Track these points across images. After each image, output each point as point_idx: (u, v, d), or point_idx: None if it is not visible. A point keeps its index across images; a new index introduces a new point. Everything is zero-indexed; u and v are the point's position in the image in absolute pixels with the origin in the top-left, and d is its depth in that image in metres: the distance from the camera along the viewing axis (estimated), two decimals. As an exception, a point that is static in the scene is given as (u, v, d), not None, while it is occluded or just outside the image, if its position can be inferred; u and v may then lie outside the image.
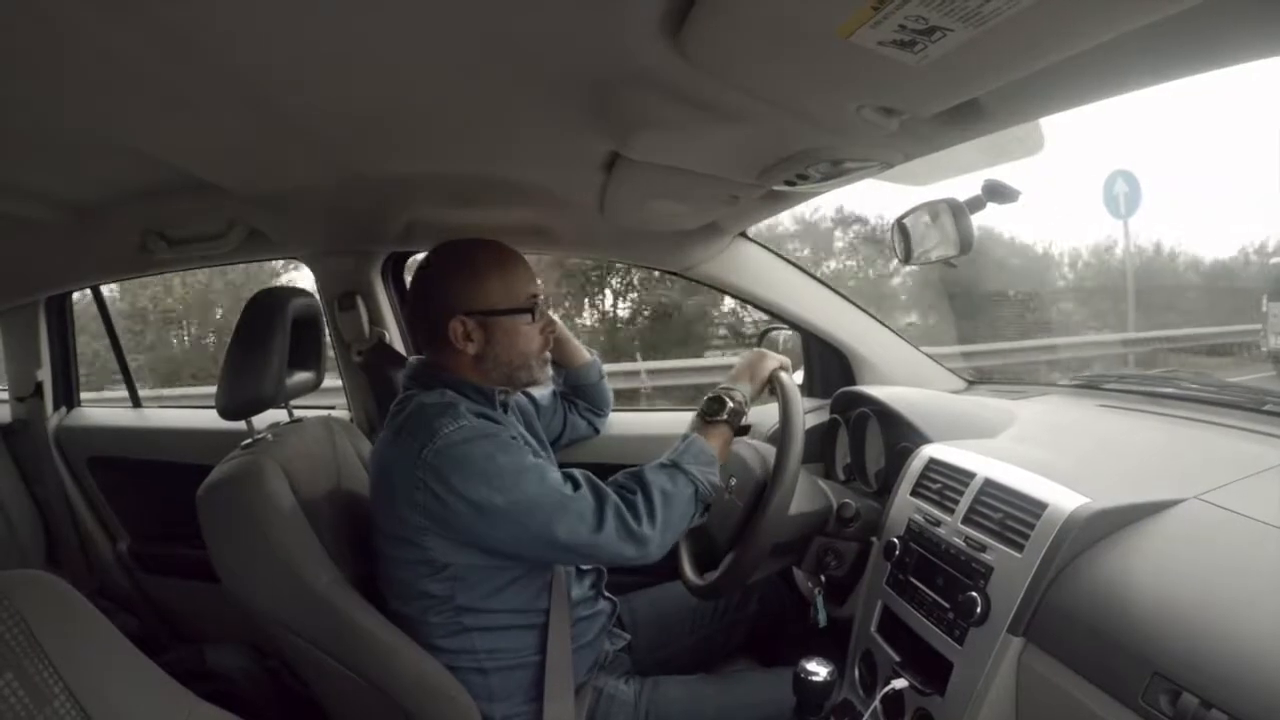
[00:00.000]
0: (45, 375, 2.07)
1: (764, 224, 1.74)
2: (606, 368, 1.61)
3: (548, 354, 1.26)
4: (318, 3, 0.68)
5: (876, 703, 1.04)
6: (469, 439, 1.07)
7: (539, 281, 1.26)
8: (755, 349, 1.40)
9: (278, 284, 2.27)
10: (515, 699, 1.16)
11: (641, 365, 6.15)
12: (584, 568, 1.31)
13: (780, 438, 1.19)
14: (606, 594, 1.35)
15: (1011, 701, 0.92)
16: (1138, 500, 0.94)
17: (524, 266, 1.24)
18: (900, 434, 1.39)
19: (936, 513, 1.14)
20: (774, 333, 1.80)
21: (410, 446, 1.08)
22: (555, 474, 1.11)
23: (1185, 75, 0.73)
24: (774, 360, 1.33)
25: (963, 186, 1.39)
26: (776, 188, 1.22)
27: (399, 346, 1.82)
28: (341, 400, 1.96)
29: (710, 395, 1.24)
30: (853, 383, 1.76)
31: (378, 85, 0.90)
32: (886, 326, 1.84)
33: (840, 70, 0.71)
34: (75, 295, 2.18)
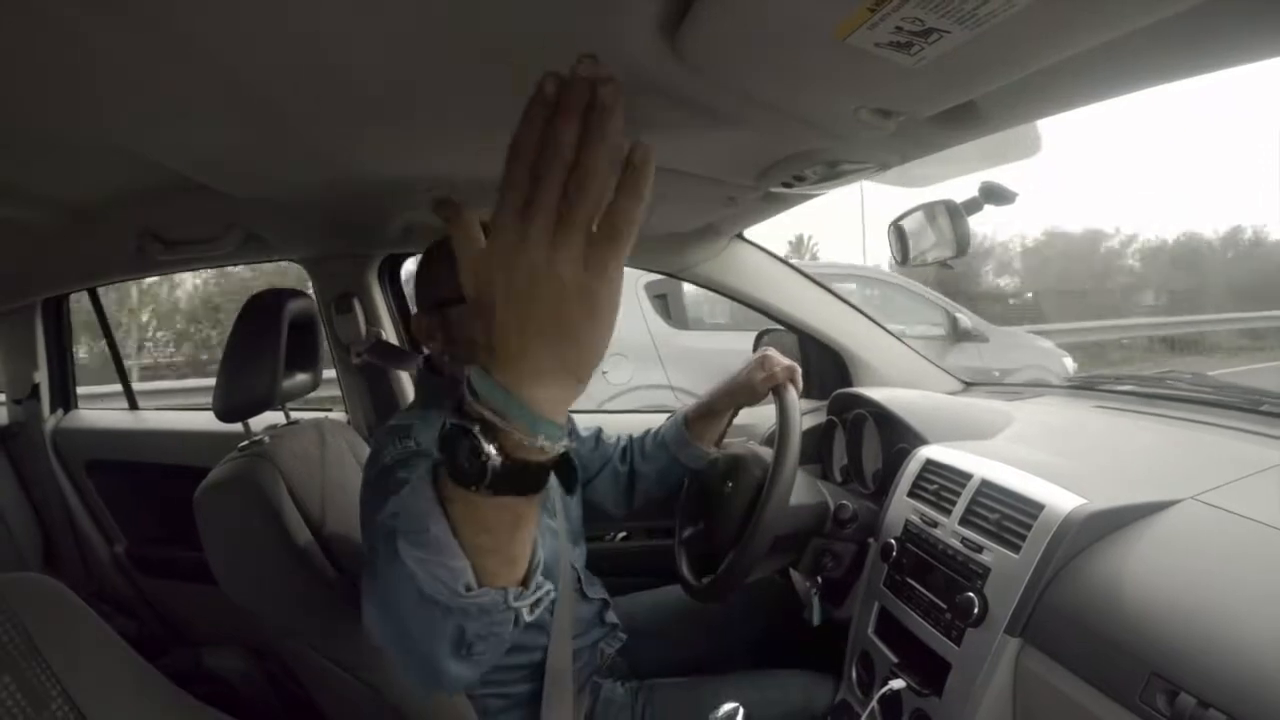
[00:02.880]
0: (42, 377, 2.07)
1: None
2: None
3: None
4: (315, 5, 0.67)
5: (874, 703, 1.04)
6: (387, 467, 0.95)
7: None
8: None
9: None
10: (515, 706, 1.15)
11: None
12: (590, 595, 1.28)
13: (778, 433, 1.19)
14: (601, 596, 1.33)
15: (1009, 702, 0.92)
16: (1134, 501, 0.94)
17: None
18: (897, 435, 1.39)
19: (933, 514, 1.14)
20: (771, 335, 1.80)
21: (366, 474, 1.02)
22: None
23: (1183, 77, 0.73)
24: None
25: (960, 188, 1.39)
26: (774, 189, 1.22)
27: (395, 349, 1.82)
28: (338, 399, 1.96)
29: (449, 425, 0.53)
30: (849, 385, 1.76)
31: (374, 87, 0.90)
32: (883, 328, 1.84)
33: (837, 72, 0.71)
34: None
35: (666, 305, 4.38)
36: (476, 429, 0.50)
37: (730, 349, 3.83)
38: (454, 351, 1.11)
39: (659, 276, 4.26)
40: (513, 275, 0.46)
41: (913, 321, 4.99)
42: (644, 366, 4.15)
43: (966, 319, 5.11)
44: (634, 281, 4.26)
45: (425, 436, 0.99)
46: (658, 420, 1.51)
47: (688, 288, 4.37)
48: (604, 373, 3.96)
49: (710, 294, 4.39)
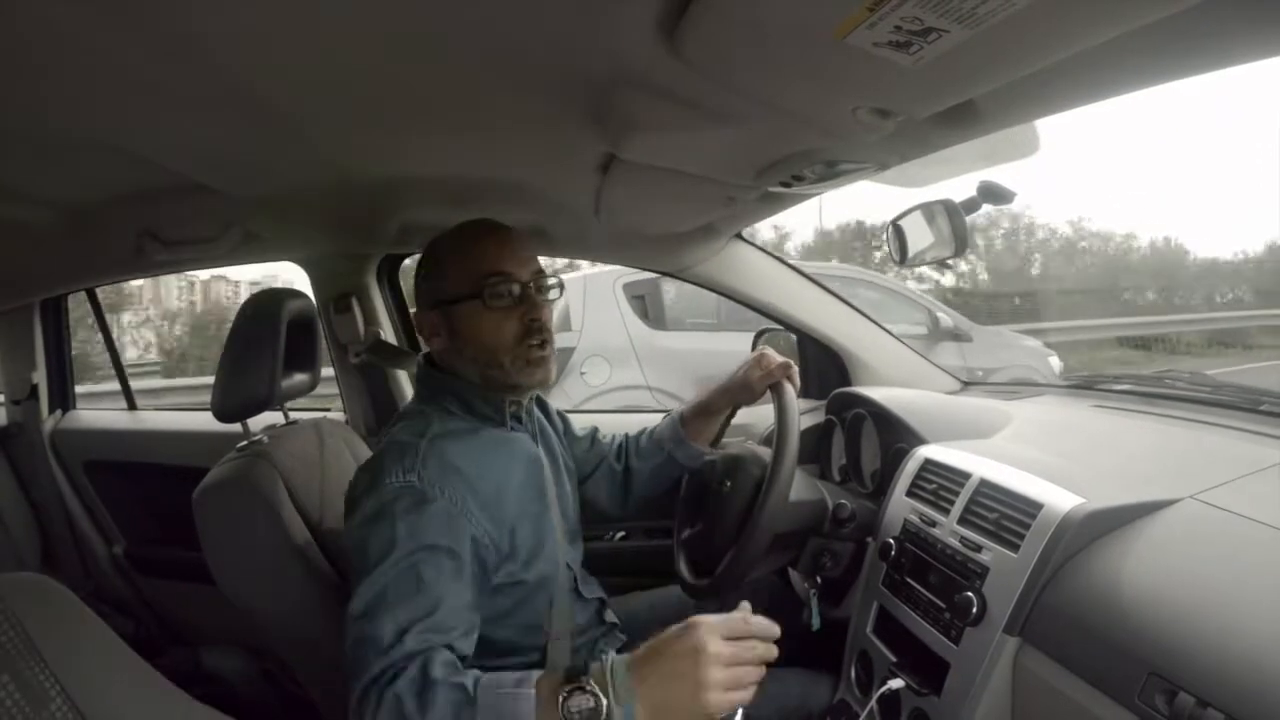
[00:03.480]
0: (40, 378, 2.07)
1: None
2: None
3: (539, 350, 1.10)
4: (314, 5, 0.68)
5: (873, 703, 1.04)
6: (381, 508, 0.96)
7: (530, 262, 1.11)
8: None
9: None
10: None
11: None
12: (586, 594, 1.27)
13: (776, 431, 1.19)
14: (598, 595, 1.33)
15: (1008, 701, 0.92)
16: (1133, 500, 0.94)
17: (492, 243, 1.10)
18: (896, 435, 1.39)
19: (932, 513, 1.14)
20: (770, 334, 1.80)
21: (361, 483, 1.03)
22: (429, 588, 0.91)
23: (1182, 76, 0.73)
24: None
25: (958, 188, 1.39)
26: (772, 189, 1.22)
27: (394, 349, 1.82)
28: (337, 402, 1.96)
29: (572, 670, 0.82)
30: (848, 384, 1.76)
31: (373, 87, 0.90)
32: (882, 328, 1.84)
33: (836, 72, 0.71)
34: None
35: (645, 306, 4.32)
36: (597, 696, 0.78)
37: (713, 350, 3.90)
38: (455, 346, 1.11)
39: (638, 277, 4.25)
40: (702, 652, 0.79)
41: (892, 320, 4.82)
42: (622, 367, 4.14)
43: (948, 318, 5.04)
44: (612, 281, 4.23)
45: (431, 467, 0.99)
46: (654, 420, 1.52)
47: (667, 287, 4.39)
48: (582, 373, 4.09)
49: (691, 294, 4.40)
